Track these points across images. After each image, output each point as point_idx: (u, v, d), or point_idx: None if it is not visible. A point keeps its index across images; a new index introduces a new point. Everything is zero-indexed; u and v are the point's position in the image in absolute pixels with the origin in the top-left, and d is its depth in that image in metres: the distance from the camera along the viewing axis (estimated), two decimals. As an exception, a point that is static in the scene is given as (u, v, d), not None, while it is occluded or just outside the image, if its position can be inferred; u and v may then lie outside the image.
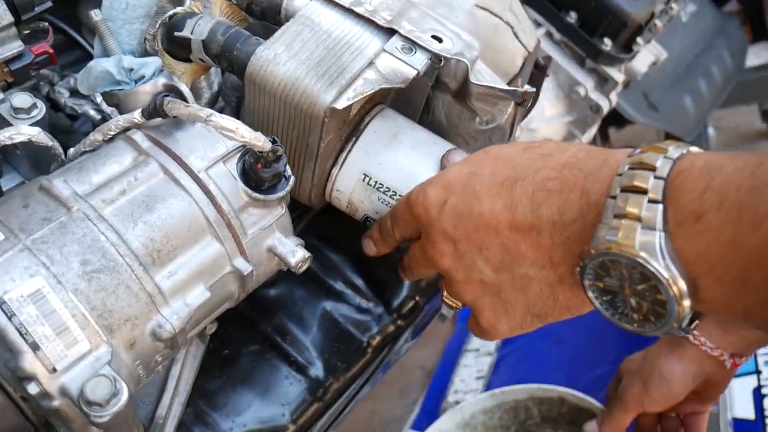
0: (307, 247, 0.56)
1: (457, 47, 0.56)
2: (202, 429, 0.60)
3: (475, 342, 1.56)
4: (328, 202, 0.65)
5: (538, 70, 0.75)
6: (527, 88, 0.58)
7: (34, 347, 0.41)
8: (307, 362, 0.66)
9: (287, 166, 0.53)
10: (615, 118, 1.41)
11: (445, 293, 0.54)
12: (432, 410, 1.43)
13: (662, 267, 0.37)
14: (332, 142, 0.58)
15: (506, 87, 0.57)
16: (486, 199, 0.47)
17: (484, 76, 0.58)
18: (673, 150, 0.40)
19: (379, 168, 0.59)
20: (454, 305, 0.54)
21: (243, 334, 0.66)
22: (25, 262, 0.43)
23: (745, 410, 1.22)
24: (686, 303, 0.38)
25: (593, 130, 1.18)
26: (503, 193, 0.46)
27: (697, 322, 0.40)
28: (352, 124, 0.60)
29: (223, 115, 0.48)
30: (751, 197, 0.35)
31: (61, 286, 0.43)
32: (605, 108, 1.08)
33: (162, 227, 0.48)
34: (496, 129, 0.67)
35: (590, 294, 0.43)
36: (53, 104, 0.73)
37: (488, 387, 1.43)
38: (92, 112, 0.70)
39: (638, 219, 0.38)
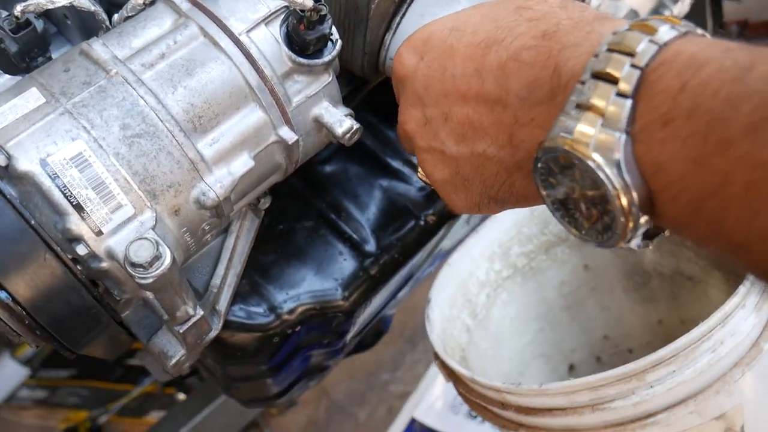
0: (363, 123, 0.53)
1: None
2: (257, 300, 0.61)
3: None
4: (383, 74, 0.62)
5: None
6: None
7: (79, 209, 0.42)
8: (361, 239, 0.65)
9: (333, 29, 0.49)
10: (730, -14, 1.26)
11: (419, 168, 0.50)
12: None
13: (614, 174, 0.31)
14: (384, 3, 0.53)
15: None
16: (460, 60, 0.41)
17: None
18: (665, 31, 0.32)
19: None
20: (424, 180, 0.50)
21: (298, 210, 0.66)
22: (66, 126, 0.43)
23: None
24: (637, 218, 0.32)
25: (687, 2, 1.06)
26: (477, 56, 0.40)
27: (658, 238, 0.35)
28: (406, -15, 0.55)
29: (259, -30, 0.45)
30: (726, 109, 0.28)
31: (102, 150, 0.43)
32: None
33: (202, 93, 0.46)
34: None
35: (542, 191, 0.37)
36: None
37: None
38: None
39: (602, 114, 0.32)
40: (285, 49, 0.48)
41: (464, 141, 0.42)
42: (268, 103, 0.48)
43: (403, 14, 0.55)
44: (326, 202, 0.67)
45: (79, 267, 0.44)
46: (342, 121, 0.51)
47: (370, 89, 0.68)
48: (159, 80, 0.46)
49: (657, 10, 1.00)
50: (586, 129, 0.32)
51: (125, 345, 0.62)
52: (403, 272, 0.68)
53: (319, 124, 0.51)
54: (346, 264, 0.64)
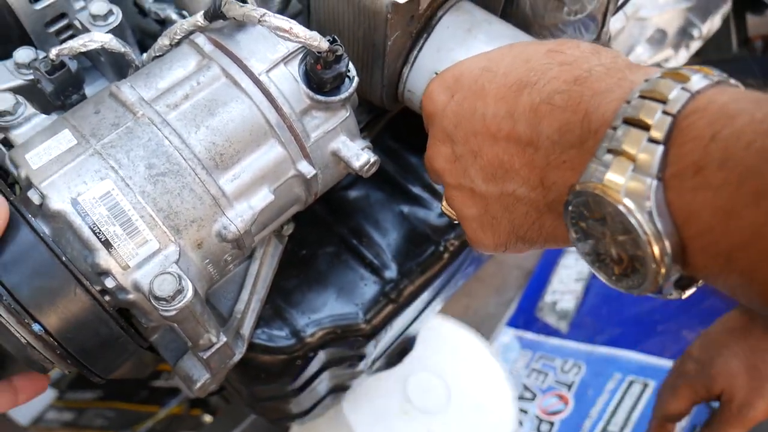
0: (384, 149, 0.55)
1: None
2: (280, 324, 0.63)
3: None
4: (402, 104, 0.63)
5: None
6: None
7: (107, 245, 0.44)
8: (382, 264, 0.66)
9: (351, 65, 0.51)
10: (753, 1, 1.25)
11: (444, 201, 0.51)
12: (528, 309, 1.43)
13: (645, 220, 0.31)
14: (400, 39, 0.55)
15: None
16: (492, 101, 0.42)
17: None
18: (697, 80, 0.32)
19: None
20: (450, 214, 0.51)
21: (320, 236, 0.68)
22: (96, 166, 0.45)
23: None
24: (669, 266, 0.32)
25: (717, 19, 1.05)
26: (509, 97, 0.41)
27: (691, 288, 0.34)
28: (423, 20, 0.56)
29: (277, 15, 0.47)
30: (760, 161, 0.28)
31: (129, 189, 0.45)
32: (731, -11, 0.96)
33: (224, 131, 0.48)
34: (587, 19, 0.61)
35: (572, 234, 0.37)
36: (140, 10, 0.74)
37: (587, 290, 1.40)
38: (174, 16, 0.71)
39: (633, 159, 0.32)
40: (303, 87, 0.50)
41: (494, 180, 0.43)
42: (287, 139, 0.50)
43: (420, 48, 0.57)
44: (348, 227, 0.68)
45: (107, 298, 0.46)
46: (359, 155, 0.53)
47: (390, 117, 0.70)
48: (183, 120, 0.48)
49: (685, 29, 0.99)
50: (617, 174, 0.33)
51: (153, 365, 0.64)
52: (425, 296, 0.70)
53: (337, 157, 0.53)
54: (367, 289, 0.66)
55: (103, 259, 0.44)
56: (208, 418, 1.30)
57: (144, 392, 1.37)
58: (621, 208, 0.32)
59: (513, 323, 1.42)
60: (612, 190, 0.33)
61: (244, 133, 0.49)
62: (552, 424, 1.19)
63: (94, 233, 0.44)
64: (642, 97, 0.33)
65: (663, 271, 0.32)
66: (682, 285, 0.34)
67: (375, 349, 0.70)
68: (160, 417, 1.33)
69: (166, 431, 1.32)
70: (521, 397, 1.25)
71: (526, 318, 1.41)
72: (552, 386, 1.25)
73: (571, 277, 1.43)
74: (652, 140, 0.32)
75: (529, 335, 1.37)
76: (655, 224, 0.31)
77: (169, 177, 0.46)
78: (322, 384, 0.74)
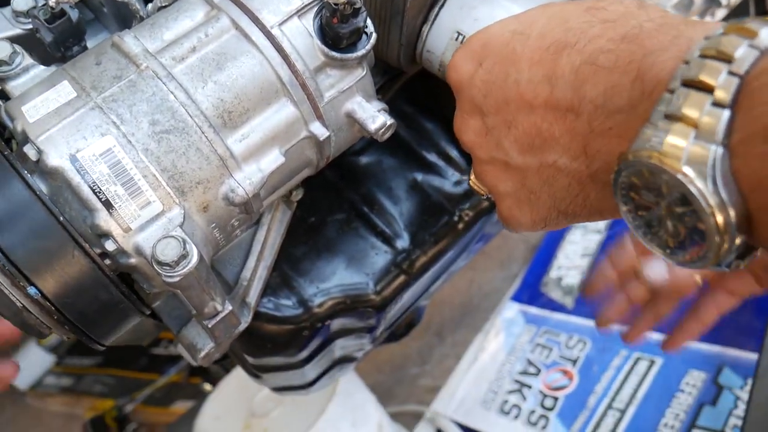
0: (399, 114, 0.52)
1: None
2: (287, 293, 0.61)
3: (585, 220, 1.49)
4: (420, 65, 0.60)
5: None
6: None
7: (108, 206, 0.42)
8: (394, 233, 0.64)
9: (368, 22, 0.48)
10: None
11: (472, 176, 0.48)
12: (533, 284, 1.41)
13: (709, 191, 0.29)
14: (421, -6, 0.52)
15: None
16: (526, 66, 0.38)
17: None
18: (767, 35, 0.29)
19: (474, 24, 0.53)
20: (480, 190, 0.48)
21: (330, 202, 0.65)
22: (96, 121, 0.42)
23: None
24: (732, 237, 0.30)
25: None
26: (546, 60, 0.37)
27: (750, 258, 0.32)
28: (445, -26, 0.53)
29: (292, -38, 0.43)
30: None
31: (132, 146, 0.42)
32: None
33: (232, 87, 0.45)
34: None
35: (622, 206, 0.35)
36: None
37: (594, 265, 1.38)
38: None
39: (695, 125, 0.29)
40: (318, 42, 0.47)
41: (531, 151, 0.40)
42: (300, 98, 0.47)
43: (442, 5, 0.54)
44: (359, 194, 0.66)
45: (107, 261, 0.44)
46: (375, 117, 0.50)
47: (406, 79, 0.66)
48: (189, 74, 0.45)
49: (705, 4, 0.95)
50: (676, 141, 0.30)
51: (155, 333, 0.62)
52: (437, 267, 0.67)
53: (351, 119, 0.50)
54: (378, 258, 0.63)
55: (103, 220, 0.42)
56: (207, 386, 1.29)
57: (144, 359, 1.37)
58: (681, 177, 0.30)
59: (518, 298, 1.40)
60: (670, 158, 0.30)
61: (254, 90, 0.46)
62: (556, 399, 1.17)
63: (94, 192, 0.41)
64: (703, 56, 0.30)
65: (726, 244, 0.30)
66: (740, 255, 0.32)
67: (384, 321, 0.68)
68: (159, 384, 1.32)
69: (165, 399, 1.31)
70: (525, 372, 1.23)
71: (531, 293, 1.39)
72: (556, 361, 1.23)
73: (577, 253, 1.41)
74: (716, 104, 0.29)
75: (534, 310, 1.35)
76: (720, 194, 0.29)
77: (174, 135, 0.43)
78: (328, 356, 0.72)
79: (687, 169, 0.30)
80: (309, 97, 0.48)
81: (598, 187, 0.38)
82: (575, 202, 0.40)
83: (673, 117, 0.30)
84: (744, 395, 1.04)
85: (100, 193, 0.41)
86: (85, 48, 0.51)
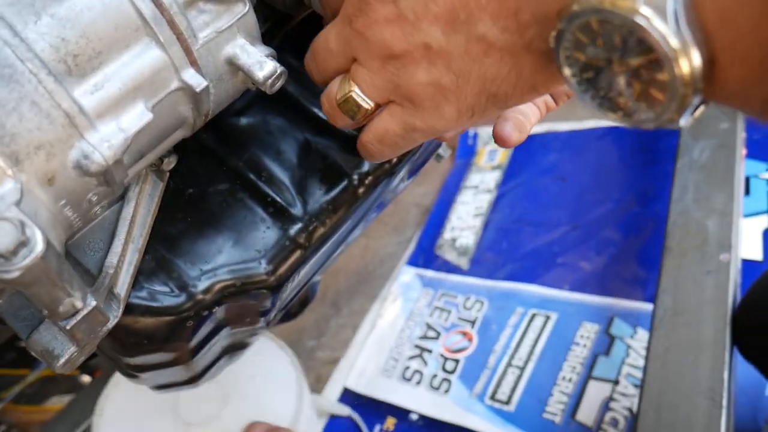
0: (284, 67, 0.44)
1: None
2: (164, 278, 0.51)
3: (473, 179, 1.48)
4: (309, 8, 0.52)
5: None
6: None
7: None
8: (285, 202, 0.56)
9: (248, -54, 0.39)
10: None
11: (354, 89, 0.42)
12: (428, 247, 1.39)
13: (670, 32, 0.26)
14: None
15: None
16: None
17: None
18: None
19: None
20: (366, 105, 0.42)
21: (209, 171, 0.56)
22: None
23: (754, 251, 1.17)
24: (696, 84, 0.27)
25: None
26: None
27: (701, 109, 0.30)
28: None
29: None
30: None
31: (-63, 101, 0.32)
32: None
33: (77, 23, 0.35)
34: None
35: (566, 70, 0.32)
36: None
37: (486, 225, 1.37)
38: None
39: None
40: (186, -32, 0.38)
41: (456, 26, 0.35)
42: (168, 39, 0.38)
43: (333, -69, 0.46)
44: (243, 160, 0.57)
45: None
46: (263, 63, 0.41)
47: (292, 26, 0.58)
48: (15, 6, 0.34)
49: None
50: None
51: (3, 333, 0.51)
52: (336, 238, 0.60)
53: (233, 66, 0.42)
54: (269, 233, 0.55)
55: None
56: (86, 378, 1.16)
57: (11, 354, 1.21)
58: (638, 18, 0.27)
59: (413, 262, 1.36)
60: (623, 0, 0.27)
61: (106, 28, 0.36)
62: (457, 362, 1.16)
63: None
64: None
65: (690, 91, 0.27)
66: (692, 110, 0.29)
67: (279, 301, 0.61)
68: (30, 380, 1.18)
69: (37, 396, 1.18)
70: (425, 337, 1.21)
71: (426, 256, 1.36)
72: (455, 323, 1.22)
73: (469, 213, 1.39)
74: None
75: (430, 273, 1.32)
76: (683, 34, 0.26)
77: (0, 84, 0.33)
78: (217, 345, 0.63)
79: (645, 9, 0.27)
80: (179, 38, 0.39)
81: (534, 57, 0.34)
82: (507, 80, 0.36)
83: None
84: (634, 343, 1.07)
85: None
86: None
